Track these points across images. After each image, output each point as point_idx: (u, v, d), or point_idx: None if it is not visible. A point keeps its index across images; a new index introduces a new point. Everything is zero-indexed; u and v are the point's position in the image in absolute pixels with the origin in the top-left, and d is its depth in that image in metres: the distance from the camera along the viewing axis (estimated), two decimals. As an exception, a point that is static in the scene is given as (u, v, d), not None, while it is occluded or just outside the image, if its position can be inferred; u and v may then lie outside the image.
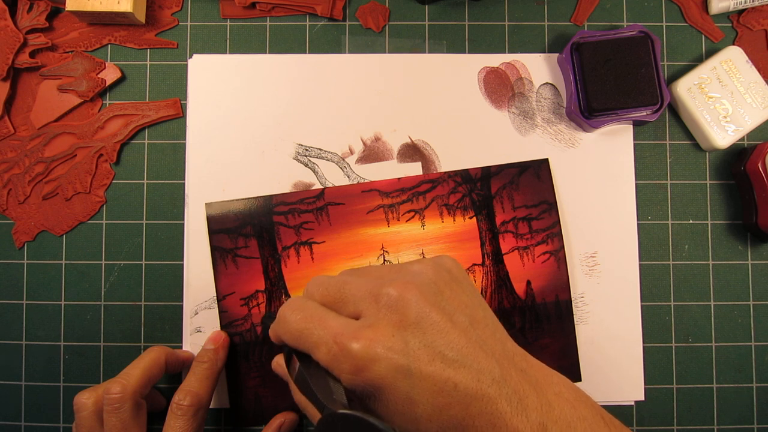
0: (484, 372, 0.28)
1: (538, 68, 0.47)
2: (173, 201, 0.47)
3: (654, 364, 0.46)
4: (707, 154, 0.47)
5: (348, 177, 0.46)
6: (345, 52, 0.47)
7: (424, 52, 0.47)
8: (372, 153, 0.47)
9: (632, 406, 0.46)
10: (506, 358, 0.30)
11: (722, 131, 0.45)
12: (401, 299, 0.29)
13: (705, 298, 0.47)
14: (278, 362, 0.40)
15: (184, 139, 0.47)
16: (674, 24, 0.48)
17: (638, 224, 0.47)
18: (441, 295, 0.30)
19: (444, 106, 0.47)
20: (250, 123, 0.46)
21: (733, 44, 0.47)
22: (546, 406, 0.29)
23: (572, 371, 0.45)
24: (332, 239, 0.45)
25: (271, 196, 0.46)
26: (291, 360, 0.32)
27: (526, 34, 0.48)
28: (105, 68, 0.47)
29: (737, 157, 0.47)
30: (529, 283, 0.46)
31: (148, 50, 0.47)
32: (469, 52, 0.48)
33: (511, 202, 0.46)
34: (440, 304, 0.30)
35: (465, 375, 0.28)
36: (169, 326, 0.46)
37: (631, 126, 0.47)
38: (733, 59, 0.46)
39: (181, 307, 0.46)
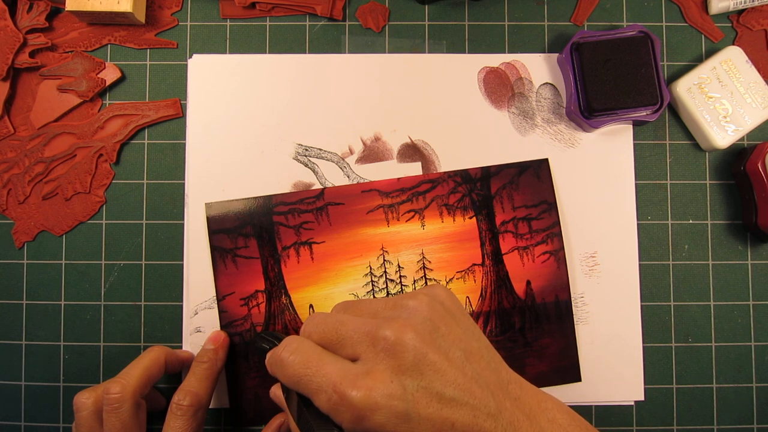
0: (479, 407, 0.29)
1: (538, 68, 0.47)
2: (173, 201, 0.47)
3: (654, 364, 0.46)
4: (707, 154, 0.47)
5: (348, 177, 0.46)
6: (345, 52, 0.47)
7: (424, 52, 0.47)
8: (372, 153, 0.47)
9: (632, 406, 0.46)
10: (500, 389, 0.31)
11: (722, 131, 0.45)
12: (398, 343, 0.29)
13: (705, 298, 0.47)
14: (275, 393, 0.40)
15: (184, 139, 0.47)
16: (674, 24, 0.48)
17: (638, 224, 0.47)
18: (437, 332, 0.31)
19: (444, 106, 0.47)
20: (250, 123, 0.46)
21: (733, 44, 0.47)
22: None
23: (572, 371, 0.45)
24: (332, 239, 0.45)
25: (270, 196, 0.46)
26: (289, 393, 0.32)
27: (526, 34, 0.48)
28: (105, 68, 0.47)
29: (737, 157, 0.47)
30: (528, 283, 0.46)
31: (148, 50, 0.47)
32: (469, 52, 0.48)
33: (510, 202, 0.46)
34: (436, 341, 0.30)
35: (462, 413, 0.29)
36: (169, 326, 0.46)
37: (631, 126, 0.47)
38: (732, 59, 0.46)
39: (181, 307, 0.46)
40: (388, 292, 0.45)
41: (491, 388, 0.30)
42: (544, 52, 0.48)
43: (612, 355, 0.46)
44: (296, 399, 0.31)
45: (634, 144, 0.47)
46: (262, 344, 0.36)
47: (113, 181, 0.47)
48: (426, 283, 0.45)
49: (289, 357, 0.31)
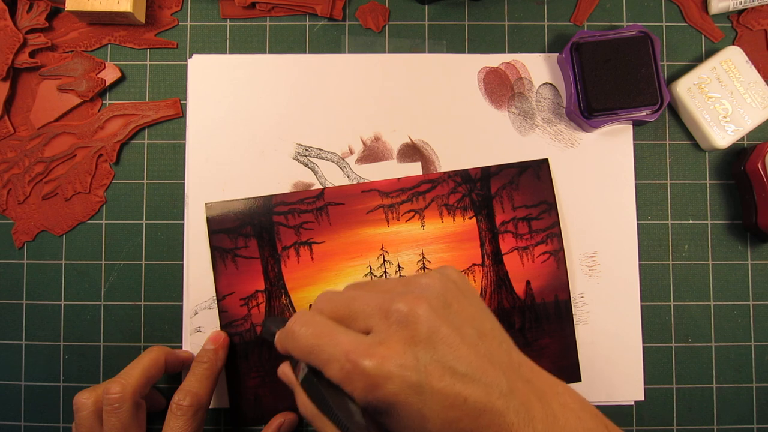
0: (492, 385, 0.29)
1: (537, 68, 0.47)
2: (173, 201, 0.47)
3: (654, 364, 0.46)
4: (707, 154, 0.47)
5: (348, 177, 0.46)
6: (345, 52, 0.47)
7: (424, 52, 0.47)
8: (372, 153, 0.47)
9: (632, 406, 0.46)
10: (512, 370, 0.31)
11: (722, 131, 0.45)
12: (411, 315, 0.29)
13: (705, 298, 0.47)
14: (284, 371, 0.40)
15: (184, 139, 0.47)
16: (674, 24, 0.48)
17: (638, 224, 0.47)
18: (449, 309, 0.30)
19: (444, 106, 0.47)
20: (250, 123, 0.46)
21: (733, 44, 0.47)
22: (551, 417, 0.30)
23: (572, 371, 0.45)
24: (332, 239, 0.45)
25: (270, 196, 0.46)
26: (297, 367, 0.32)
27: (526, 34, 0.48)
28: (105, 68, 0.47)
29: (737, 157, 0.47)
30: (528, 283, 0.46)
31: (148, 50, 0.47)
32: (468, 52, 0.48)
33: (510, 202, 0.46)
34: (449, 318, 0.30)
35: (474, 389, 0.28)
36: (169, 326, 0.46)
37: (631, 126, 0.47)
38: (732, 59, 0.46)
39: (181, 307, 0.46)
40: (388, 292, 0.45)
41: (503, 368, 0.30)
42: (544, 52, 0.48)
43: (612, 355, 0.46)
44: (306, 371, 0.31)
45: (634, 144, 0.47)
46: (271, 327, 0.36)
47: (113, 181, 0.47)
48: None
49: (301, 329, 0.31)
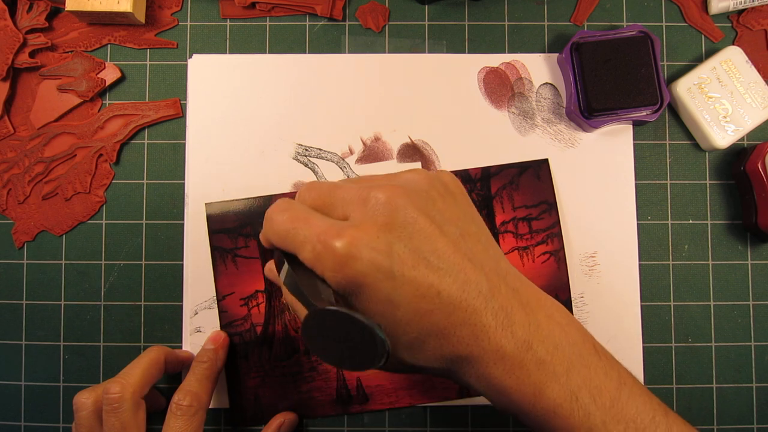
0: (470, 283, 0.28)
1: (537, 68, 0.47)
2: (173, 201, 0.47)
3: (654, 364, 0.46)
4: (707, 154, 0.47)
5: (348, 177, 0.46)
6: (345, 52, 0.47)
7: (424, 52, 0.47)
8: (372, 153, 0.47)
9: (632, 406, 0.46)
10: (497, 275, 0.29)
11: (722, 131, 0.45)
12: (389, 202, 0.28)
13: (705, 298, 0.47)
14: (270, 267, 0.39)
15: (184, 139, 0.47)
16: (674, 24, 0.48)
17: (638, 224, 0.47)
18: (432, 204, 0.29)
19: (444, 106, 0.47)
20: (250, 123, 0.46)
21: (733, 44, 0.47)
22: (534, 325, 0.29)
23: (572, 371, 0.45)
24: (332, 239, 0.45)
25: (270, 196, 0.46)
26: (281, 263, 0.32)
27: (525, 34, 0.48)
28: (105, 68, 0.47)
29: (737, 157, 0.47)
30: (528, 283, 0.45)
31: (148, 50, 0.47)
32: (468, 52, 0.48)
33: (510, 202, 0.46)
34: (430, 212, 0.29)
35: (450, 283, 0.27)
36: (169, 326, 0.46)
37: (631, 126, 0.47)
38: (732, 59, 0.46)
39: (181, 307, 0.46)
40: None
41: (485, 271, 0.29)
42: (544, 52, 0.48)
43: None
44: (281, 257, 0.30)
45: (634, 144, 0.47)
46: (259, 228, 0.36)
47: (113, 181, 0.47)
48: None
49: (278, 215, 0.30)
